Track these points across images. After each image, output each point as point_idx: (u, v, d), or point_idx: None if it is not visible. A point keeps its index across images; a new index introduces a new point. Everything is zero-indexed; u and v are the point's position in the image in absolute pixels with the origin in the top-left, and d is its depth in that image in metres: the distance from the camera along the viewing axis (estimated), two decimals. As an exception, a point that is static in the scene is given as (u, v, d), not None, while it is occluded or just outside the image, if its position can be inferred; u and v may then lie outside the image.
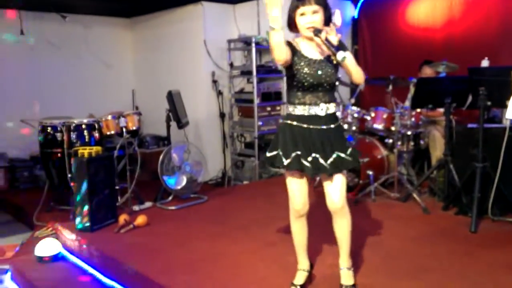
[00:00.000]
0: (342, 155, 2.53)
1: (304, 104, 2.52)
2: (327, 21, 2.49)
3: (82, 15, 6.56)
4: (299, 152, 2.51)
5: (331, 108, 2.55)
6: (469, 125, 4.25)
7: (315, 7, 2.42)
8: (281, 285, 2.79)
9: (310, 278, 2.82)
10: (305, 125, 2.52)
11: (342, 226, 2.63)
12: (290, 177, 2.61)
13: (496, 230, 3.67)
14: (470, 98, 4.12)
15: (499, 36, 4.86)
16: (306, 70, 2.48)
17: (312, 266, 2.87)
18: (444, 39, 5.34)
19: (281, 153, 2.55)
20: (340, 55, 2.31)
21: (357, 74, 2.49)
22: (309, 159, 2.50)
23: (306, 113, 2.52)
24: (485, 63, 4.42)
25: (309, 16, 2.43)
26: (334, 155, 2.52)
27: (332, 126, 2.55)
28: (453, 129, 4.40)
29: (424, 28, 5.53)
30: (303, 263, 2.79)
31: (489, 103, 3.78)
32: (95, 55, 6.88)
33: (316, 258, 3.10)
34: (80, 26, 6.65)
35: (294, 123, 2.54)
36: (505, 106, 3.70)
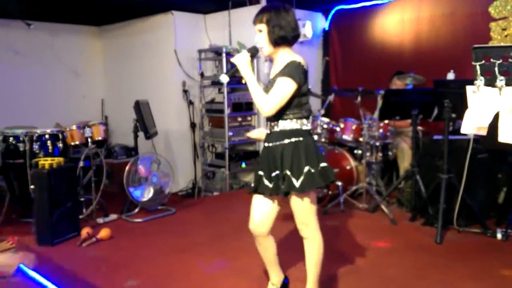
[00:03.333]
0: (289, 174, 2.38)
1: (266, 121, 2.55)
2: (280, 40, 2.38)
3: (48, 22, 6.42)
4: (259, 172, 2.51)
5: (281, 124, 2.43)
6: (435, 137, 4.31)
7: (259, 25, 2.41)
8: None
9: None
10: (264, 143, 2.53)
11: (307, 251, 2.52)
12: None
13: (460, 241, 3.70)
14: (436, 110, 4.18)
15: (465, 49, 4.93)
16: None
17: (287, 280, 2.76)
18: (412, 52, 5.42)
19: None
20: (221, 76, 2.46)
21: (255, 104, 2.40)
22: (256, 178, 2.50)
23: (267, 132, 2.54)
24: (450, 75, 4.49)
25: (257, 35, 2.44)
26: (274, 174, 2.42)
27: (283, 142, 2.42)
28: (420, 141, 4.46)
29: (393, 40, 5.60)
30: (273, 277, 2.71)
31: (453, 115, 3.84)
32: (63, 64, 6.72)
33: (296, 273, 2.95)
34: (47, 34, 6.50)
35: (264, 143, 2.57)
36: (469, 118, 3.76)
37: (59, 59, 6.64)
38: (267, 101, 2.34)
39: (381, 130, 4.67)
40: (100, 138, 4.74)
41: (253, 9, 5.80)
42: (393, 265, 3.29)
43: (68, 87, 6.81)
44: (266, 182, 2.44)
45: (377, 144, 4.66)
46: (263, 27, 2.39)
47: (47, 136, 4.48)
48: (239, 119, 5.78)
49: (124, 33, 6.73)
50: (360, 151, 4.76)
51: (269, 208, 2.53)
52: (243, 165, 5.78)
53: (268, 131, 2.50)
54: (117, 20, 6.67)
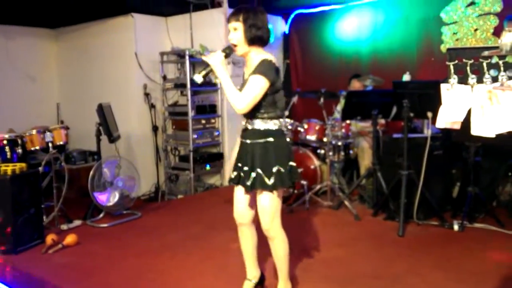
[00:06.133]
0: (260, 172, 2.47)
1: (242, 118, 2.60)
2: (256, 39, 2.44)
3: (1, 25, 6.16)
4: (238, 164, 2.59)
5: (255, 124, 2.51)
6: (394, 135, 4.51)
7: (235, 23, 2.44)
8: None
9: None
10: (241, 139, 2.61)
11: (273, 250, 2.60)
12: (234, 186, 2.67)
13: (421, 234, 3.91)
14: (394, 110, 4.38)
15: (419, 52, 5.24)
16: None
17: (263, 277, 2.83)
18: (369, 54, 5.65)
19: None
20: (195, 77, 2.45)
21: (230, 102, 2.44)
22: (235, 170, 2.58)
23: (243, 127, 2.59)
24: (406, 77, 4.71)
25: (231, 33, 2.47)
26: (254, 172, 2.49)
27: (248, 141, 2.53)
28: (380, 139, 4.65)
29: (350, 43, 5.81)
30: (250, 272, 2.77)
31: (411, 114, 4.05)
32: (16, 67, 6.46)
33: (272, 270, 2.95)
34: (0, 37, 6.24)
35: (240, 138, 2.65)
36: (426, 117, 3.99)
37: (13, 62, 6.38)
38: (240, 99, 2.40)
39: (343, 130, 4.84)
40: (61, 143, 4.63)
41: (215, 12, 5.85)
42: (360, 258, 3.43)
43: (22, 92, 6.56)
44: (242, 174, 2.55)
45: (339, 143, 4.83)
46: (239, 25, 2.43)
47: (5, 142, 4.32)
48: (203, 121, 5.79)
49: (81, 36, 6.57)
50: (323, 151, 4.90)
51: (250, 198, 2.61)
52: (208, 167, 5.80)
53: (244, 127, 2.58)
54: (74, 23, 6.50)
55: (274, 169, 2.45)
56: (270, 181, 2.44)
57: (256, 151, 2.49)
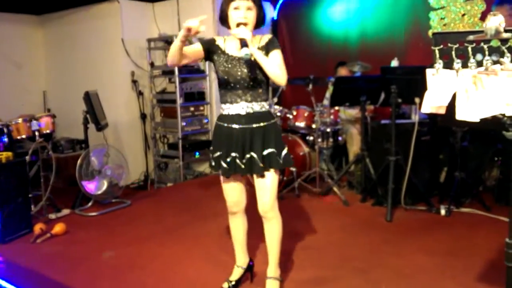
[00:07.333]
0: (275, 151, 2.45)
1: (226, 102, 2.50)
2: (261, 22, 2.46)
3: (-16, 11, 6.06)
4: (220, 153, 2.52)
5: (256, 107, 2.45)
6: (382, 121, 4.53)
7: (250, 3, 2.38)
8: (214, 284, 2.77)
9: (251, 276, 2.82)
10: (226, 124, 2.49)
11: (270, 231, 2.59)
12: (221, 176, 2.60)
13: (409, 219, 3.95)
14: (382, 96, 4.40)
15: (407, 37, 5.23)
16: (222, 67, 2.45)
17: (252, 263, 2.84)
18: (358, 40, 5.63)
19: (211, 154, 2.58)
20: (243, 51, 2.29)
21: (274, 76, 2.38)
22: (228, 159, 2.49)
23: (229, 112, 2.48)
24: (395, 62, 4.72)
25: (242, 11, 2.37)
26: (264, 152, 2.45)
27: (254, 125, 2.45)
28: (368, 126, 4.67)
29: (339, 29, 5.78)
30: (239, 259, 2.78)
31: (399, 100, 4.06)
32: (1, 55, 6.36)
33: (261, 257, 3.00)
34: (-17, 23, 6.13)
35: (220, 123, 2.54)
36: (414, 103, 4.00)
37: (-4, 49, 6.29)
38: (284, 70, 2.42)
39: (332, 117, 4.85)
40: (48, 131, 4.58)
41: (202, -2, 5.78)
42: (349, 242, 3.46)
43: (8, 80, 6.45)
44: (238, 162, 2.47)
45: (328, 130, 4.84)
46: (252, 5, 2.39)
47: (-10, 131, 4.27)
48: (192, 108, 5.76)
49: (67, 22, 6.46)
50: (312, 138, 4.91)
51: (242, 185, 2.63)
52: (197, 155, 5.78)
53: (243, 113, 2.45)
54: (59, 9, 6.38)
55: (285, 149, 2.49)
56: (281, 159, 2.47)
57: (268, 132, 2.46)
